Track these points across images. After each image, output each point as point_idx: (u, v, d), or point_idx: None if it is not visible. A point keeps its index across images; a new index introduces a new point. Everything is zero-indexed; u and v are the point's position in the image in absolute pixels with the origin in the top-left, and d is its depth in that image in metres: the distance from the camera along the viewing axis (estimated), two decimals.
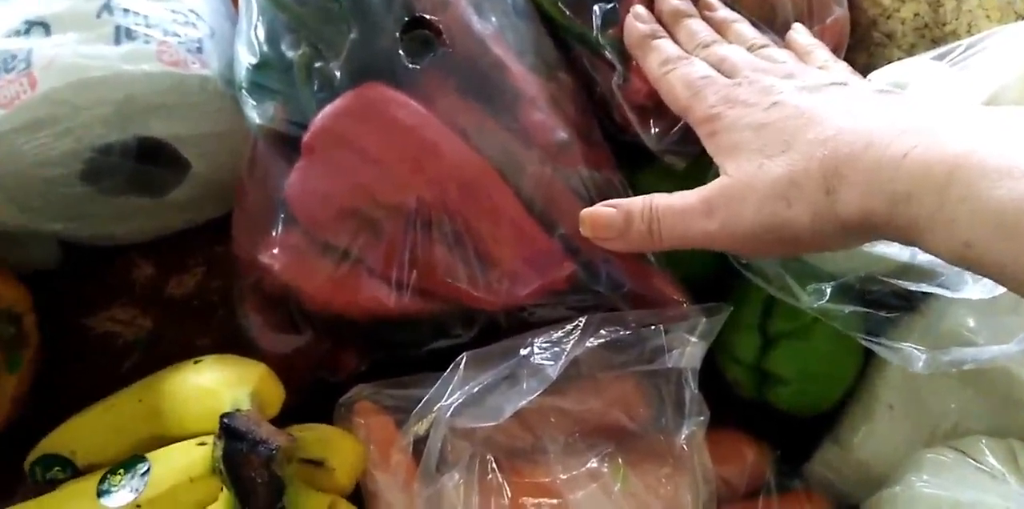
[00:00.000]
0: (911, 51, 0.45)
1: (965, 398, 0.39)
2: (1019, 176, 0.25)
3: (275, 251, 0.36)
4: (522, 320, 0.36)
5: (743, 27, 0.39)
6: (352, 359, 0.39)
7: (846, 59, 0.46)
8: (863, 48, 0.47)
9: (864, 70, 0.46)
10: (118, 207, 0.43)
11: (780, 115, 0.32)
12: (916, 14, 0.45)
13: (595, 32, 0.40)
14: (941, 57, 0.39)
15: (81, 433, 0.36)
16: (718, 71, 0.36)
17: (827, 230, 0.30)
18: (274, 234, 0.36)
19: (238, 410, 0.30)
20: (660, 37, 0.38)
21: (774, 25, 0.42)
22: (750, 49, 0.38)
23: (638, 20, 0.39)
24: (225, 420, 0.28)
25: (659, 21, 0.40)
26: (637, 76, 0.39)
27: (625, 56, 0.40)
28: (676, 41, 0.39)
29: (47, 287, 0.44)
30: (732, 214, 0.32)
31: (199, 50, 0.39)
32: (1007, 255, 0.25)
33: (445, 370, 0.35)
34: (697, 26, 0.39)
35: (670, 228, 0.33)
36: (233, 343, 0.41)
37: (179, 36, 0.39)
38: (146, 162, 0.41)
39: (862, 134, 0.30)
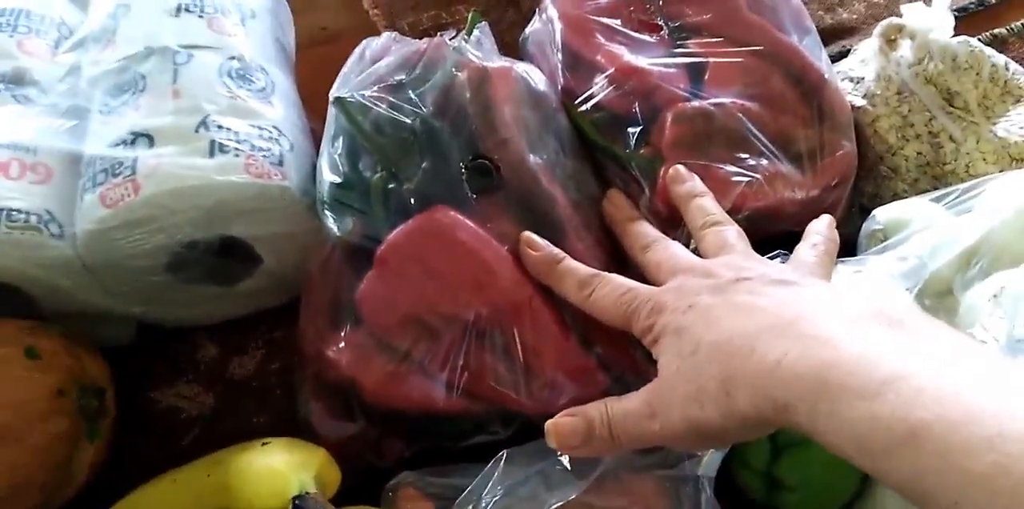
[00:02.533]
0: (914, 184, 0.50)
1: None
2: (869, 396, 0.27)
3: (341, 346, 0.41)
4: None
5: (704, 201, 0.42)
6: (399, 447, 0.42)
7: (854, 188, 0.51)
8: (871, 179, 0.51)
9: (871, 197, 0.51)
10: (193, 294, 0.48)
11: (693, 318, 0.35)
12: (919, 153, 0.49)
13: (627, 152, 0.45)
14: (940, 199, 0.44)
15: (152, 502, 0.40)
16: (654, 273, 0.40)
17: (735, 427, 0.33)
18: (342, 332, 0.41)
19: (306, 492, 0.34)
20: (562, 259, 0.40)
21: (788, 156, 0.46)
22: (701, 227, 0.41)
23: (533, 248, 0.41)
24: (297, 501, 0.32)
25: (613, 220, 0.43)
26: (659, 195, 0.44)
27: (649, 175, 0.44)
28: (624, 243, 0.42)
29: (120, 361, 0.47)
30: (666, 416, 0.34)
31: (280, 163, 0.44)
32: (872, 469, 0.28)
33: (482, 461, 0.39)
34: (640, 229, 0.42)
35: (625, 432, 0.35)
36: (288, 422, 0.45)
37: (263, 150, 0.43)
38: (223, 256, 0.46)
39: (749, 338, 0.32)
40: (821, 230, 0.42)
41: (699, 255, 0.41)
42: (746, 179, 0.44)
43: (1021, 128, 0.49)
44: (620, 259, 0.43)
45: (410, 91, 0.43)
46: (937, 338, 0.30)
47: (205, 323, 0.50)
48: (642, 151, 0.45)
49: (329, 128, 0.43)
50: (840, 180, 0.47)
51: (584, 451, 0.37)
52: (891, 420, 0.27)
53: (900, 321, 0.31)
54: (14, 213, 0.42)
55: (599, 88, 0.45)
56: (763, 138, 0.45)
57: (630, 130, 0.45)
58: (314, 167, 0.45)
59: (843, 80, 0.53)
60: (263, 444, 0.39)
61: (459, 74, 0.43)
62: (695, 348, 0.34)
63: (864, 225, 0.45)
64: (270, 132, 0.45)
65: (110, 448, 0.44)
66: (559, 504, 0.37)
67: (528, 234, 0.41)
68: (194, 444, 0.47)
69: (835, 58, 0.56)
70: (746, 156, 0.45)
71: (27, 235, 0.42)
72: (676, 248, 0.41)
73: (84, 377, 0.43)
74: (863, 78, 0.52)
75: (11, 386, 0.40)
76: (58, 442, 0.40)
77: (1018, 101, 0.51)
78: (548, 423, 0.37)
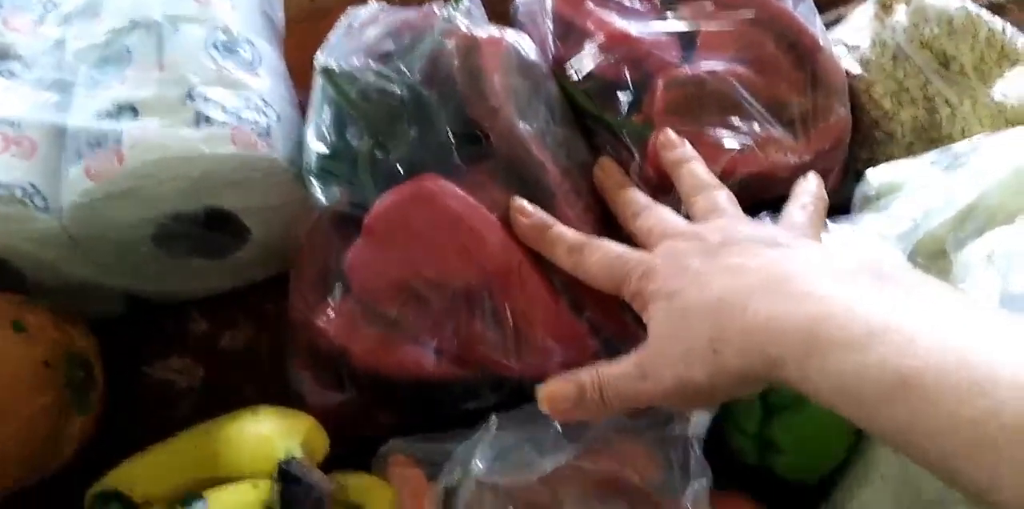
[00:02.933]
0: (910, 148, 0.49)
1: None
2: (860, 347, 0.28)
3: (330, 315, 0.40)
4: None
5: (694, 166, 0.42)
6: (389, 416, 0.42)
7: (850, 154, 0.50)
8: (866, 144, 0.51)
9: (866, 163, 0.51)
10: (181, 267, 0.47)
11: (684, 282, 0.35)
12: (914, 117, 0.49)
13: (618, 119, 0.44)
14: (933, 160, 0.43)
15: (140, 472, 0.39)
16: (645, 238, 0.39)
17: (723, 385, 0.33)
18: (330, 300, 0.40)
19: (293, 457, 0.34)
20: (552, 225, 0.40)
21: (782, 121, 0.46)
22: (692, 192, 0.41)
23: (524, 215, 0.40)
24: (283, 465, 0.32)
25: (604, 187, 0.43)
26: (649, 161, 0.44)
27: (640, 143, 0.44)
28: (614, 210, 0.42)
29: (110, 335, 0.47)
30: (657, 377, 0.34)
31: (267, 134, 0.43)
32: (863, 421, 0.28)
33: (473, 428, 0.39)
34: (630, 196, 0.42)
35: (617, 394, 0.36)
36: (278, 394, 0.44)
37: (250, 121, 0.43)
38: (211, 228, 0.46)
39: (739, 297, 0.32)
40: (810, 189, 0.41)
41: (689, 220, 0.40)
42: (738, 144, 0.43)
43: (1018, 91, 0.49)
44: (611, 225, 0.43)
45: (398, 60, 0.42)
46: (928, 291, 0.30)
47: (195, 297, 0.50)
48: (633, 118, 0.45)
49: (315, 97, 0.43)
50: (834, 145, 0.47)
51: (576, 415, 0.37)
52: (882, 370, 0.27)
53: (891, 276, 0.31)
54: None
55: (590, 55, 0.45)
56: (755, 104, 0.45)
57: (621, 97, 0.44)
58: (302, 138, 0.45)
59: (838, 46, 0.52)
60: (252, 412, 0.39)
61: (448, 42, 0.43)
62: (685, 310, 0.34)
63: (857, 187, 0.45)
64: (257, 103, 0.44)
65: (99, 421, 0.44)
66: (551, 468, 0.37)
67: (518, 200, 0.41)
68: (185, 417, 0.46)
69: (830, 25, 0.55)
70: (738, 122, 0.44)
71: (12, 208, 0.41)
72: (666, 213, 0.40)
73: (72, 350, 0.42)
74: (858, 45, 0.51)
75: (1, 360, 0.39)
76: (46, 414, 0.40)
77: (1015, 64, 0.50)
78: (539, 388, 0.38)
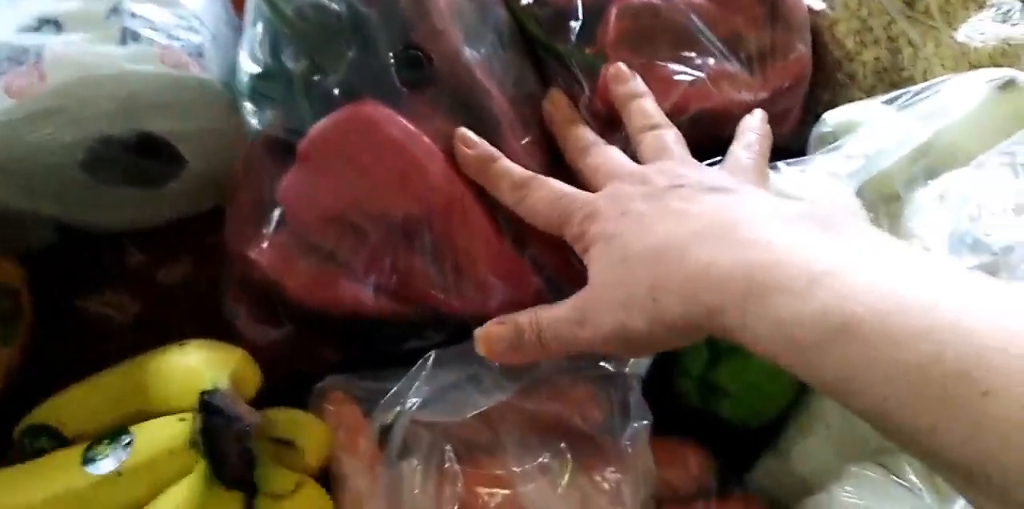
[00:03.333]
0: (871, 92, 0.49)
1: None
2: (799, 292, 0.27)
3: (264, 247, 0.39)
4: None
5: (644, 103, 0.40)
6: (329, 353, 0.41)
7: (811, 96, 0.49)
8: (827, 86, 0.50)
9: (827, 106, 0.50)
10: (115, 196, 0.45)
11: (624, 226, 0.34)
12: (876, 58, 0.48)
13: (568, 48, 0.43)
14: (892, 101, 0.42)
15: (70, 406, 0.38)
16: (590, 178, 0.38)
17: (662, 333, 0.32)
18: (264, 232, 0.39)
19: (217, 388, 0.33)
20: (497, 158, 0.39)
21: (739, 57, 0.44)
22: (640, 130, 0.40)
23: (468, 146, 0.39)
24: (205, 396, 0.31)
25: (552, 121, 0.41)
26: (598, 94, 0.42)
27: (590, 74, 0.42)
28: (562, 146, 0.41)
29: (42, 267, 0.46)
30: (596, 323, 0.34)
31: (200, 54, 0.41)
32: (801, 369, 0.28)
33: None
34: (579, 132, 0.41)
35: (555, 338, 0.35)
36: (217, 330, 0.43)
37: (181, 40, 0.41)
38: (144, 156, 0.43)
39: (681, 244, 0.32)
40: (754, 127, 0.41)
41: (636, 158, 0.39)
42: (691, 78, 0.42)
43: (982, 34, 0.48)
44: (559, 160, 0.42)
45: None
46: (871, 239, 0.30)
47: (131, 228, 0.48)
48: (585, 49, 0.43)
49: (249, 14, 0.41)
50: (792, 84, 0.45)
51: (514, 357, 0.37)
52: (822, 315, 0.27)
53: (835, 224, 0.30)
54: None
55: None
56: (712, 37, 0.43)
57: (573, 26, 0.43)
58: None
59: None
60: (180, 345, 0.38)
61: None
62: (624, 255, 0.33)
63: (814, 128, 0.44)
64: (189, 21, 0.42)
65: (26, 353, 0.43)
66: (489, 406, 0.37)
67: (463, 130, 0.39)
68: (121, 351, 0.44)
69: None
70: (693, 55, 0.43)
71: None
72: (613, 153, 0.39)
73: (4, 278, 0.41)
74: None
75: None
76: None
77: (981, 7, 0.49)
78: (477, 331, 0.37)
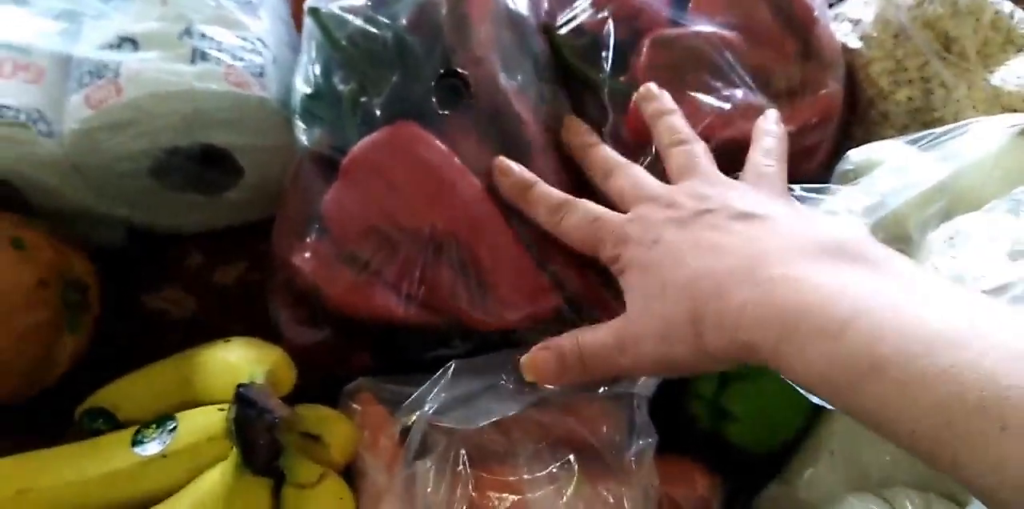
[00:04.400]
0: (904, 131, 0.49)
1: (896, 452, 0.41)
2: (831, 335, 0.29)
3: (307, 255, 0.42)
4: (512, 340, 0.41)
5: (672, 119, 0.41)
6: (362, 358, 0.44)
7: (845, 133, 0.50)
8: (861, 124, 0.50)
9: (860, 143, 0.50)
10: (178, 201, 0.49)
11: (658, 254, 0.35)
12: (909, 98, 0.48)
13: (602, 77, 0.44)
14: (915, 141, 0.43)
15: (125, 393, 0.42)
16: (617, 200, 0.39)
17: (707, 363, 0.34)
18: (308, 241, 0.42)
19: (252, 382, 0.36)
20: (533, 184, 0.40)
21: (766, 89, 0.45)
22: (668, 146, 0.40)
23: (506, 175, 0.41)
24: (240, 389, 0.34)
25: (572, 147, 0.43)
26: (630, 116, 0.44)
27: (620, 102, 0.44)
28: (586, 170, 0.42)
29: (111, 264, 0.50)
30: (636, 352, 0.35)
31: (261, 74, 0.44)
32: (838, 403, 0.30)
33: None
34: (601, 155, 0.42)
35: (596, 365, 0.37)
36: (263, 330, 0.46)
37: (244, 61, 0.44)
38: (206, 165, 0.47)
39: (714, 280, 0.33)
40: (770, 130, 0.41)
41: (666, 179, 0.40)
42: (717, 108, 0.43)
43: (1018, 78, 0.48)
44: (587, 183, 0.44)
45: (387, 5, 0.43)
46: (896, 270, 0.31)
47: (191, 231, 0.52)
48: (619, 78, 0.45)
49: (304, 40, 0.44)
50: (821, 120, 0.47)
51: (559, 381, 0.39)
52: (854, 357, 0.28)
53: (861, 255, 0.32)
54: (4, 109, 0.43)
55: (581, 11, 0.45)
56: (741, 70, 0.45)
57: (607, 55, 0.44)
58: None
59: (843, 21, 0.52)
60: (225, 341, 0.41)
61: None
62: (662, 288, 0.35)
63: (837, 165, 0.45)
64: (253, 44, 0.45)
65: (91, 342, 0.46)
66: (503, 416, 0.39)
67: (501, 160, 0.41)
68: (175, 345, 0.48)
69: None
70: (721, 86, 0.44)
71: (17, 131, 0.43)
72: (638, 173, 0.41)
73: (68, 272, 0.45)
74: (861, 20, 0.51)
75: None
76: (39, 331, 0.43)
77: (1020, 50, 0.50)
78: (523, 359, 0.39)
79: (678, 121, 0.42)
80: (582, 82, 0.45)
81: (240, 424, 0.33)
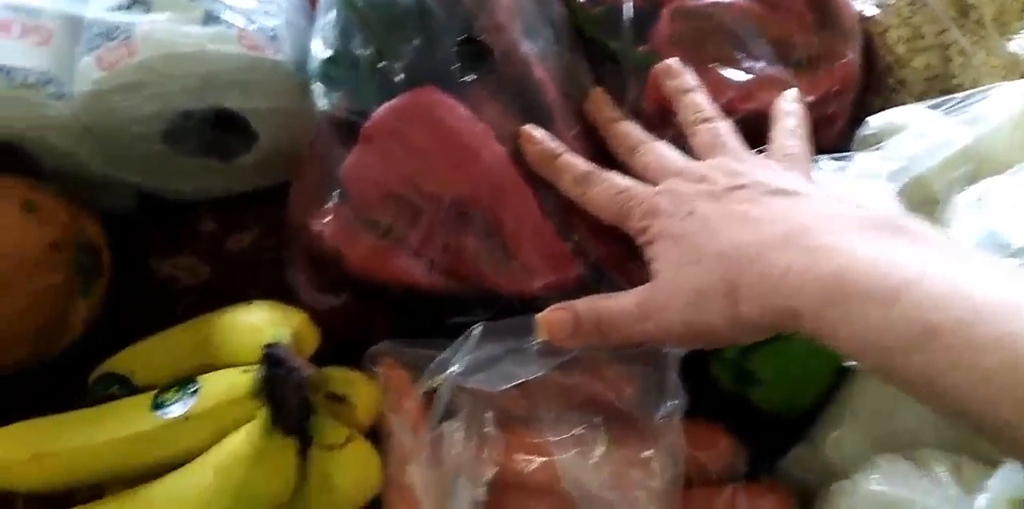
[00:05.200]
0: (921, 98, 0.48)
1: (924, 414, 0.40)
2: (883, 302, 0.28)
3: (327, 220, 0.41)
4: (535, 308, 0.40)
5: (696, 96, 0.41)
6: (380, 323, 0.44)
7: (862, 101, 0.50)
8: (878, 92, 0.50)
9: (877, 111, 0.50)
10: (191, 166, 0.48)
11: (692, 226, 0.35)
12: (927, 65, 0.48)
13: (622, 48, 0.44)
14: (937, 106, 0.43)
15: (142, 357, 0.41)
16: (642, 175, 0.39)
17: (742, 332, 0.34)
18: (328, 205, 0.41)
19: (279, 343, 0.35)
20: (560, 154, 0.40)
21: (787, 61, 0.45)
22: (693, 123, 0.40)
23: (532, 143, 0.40)
24: (268, 349, 0.34)
25: (596, 120, 0.42)
26: (648, 92, 0.44)
27: (640, 73, 0.44)
28: (610, 144, 0.42)
29: (123, 230, 0.49)
30: (662, 319, 0.35)
31: (275, 38, 0.44)
32: (884, 370, 0.29)
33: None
34: (625, 130, 0.41)
35: (613, 330, 0.36)
36: (279, 296, 0.45)
37: (258, 24, 0.43)
38: (219, 130, 0.47)
39: (752, 248, 0.33)
40: (791, 109, 0.41)
41: (691, 153, 0.40)
42: (739, 81, 0.43)
43: None
44: (608, 152, 0.43)
45: None
46: (939, 243, 0.31)
47: (204, 197, 0.51)
48: (639, 48, 0.44)
49: (323, 2, 0.43)
50: (840, 89, 0.46)
51: (572, 343, 0.38)
52: (906, 324, 0.28)
53: (901, 229, 0.32)
54: (14, 71, 0.42)
55: None
56: (761, 41, 0.44)
57: (627, 25, 0.44)
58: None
59: None
60: (247, 304, 0.41)
61: None
62: (697, 257, 0.34)
63: (857, 131, 0.45)
64: (267, 6, 0.45)
65: (103, 306, 0.46)
66: (527, 379, 0.39)
67: (528, 128, 0.41)
68: (188, 311, 0.47)
69: None
70: (743, 58, 0.44)
71: (27, 93, 0.43)
72: (664, 149, 0.40)
73: (80, 235, 0.44)
74: None
75: (8, 236, 0.41)
76: (51, 294, 0.42)
77: None
78: (538, 316, 0.38)
79: (701, 98, 0.41)
80: (601, 51, 0.45)
81: (270, 383, 0.33)
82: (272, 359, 0.33)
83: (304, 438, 0.35)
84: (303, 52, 0.45)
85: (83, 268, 0.44)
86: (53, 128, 0.44)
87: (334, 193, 0.42)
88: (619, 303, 0.37)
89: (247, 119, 0.46)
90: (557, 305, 0.38)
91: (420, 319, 0.44)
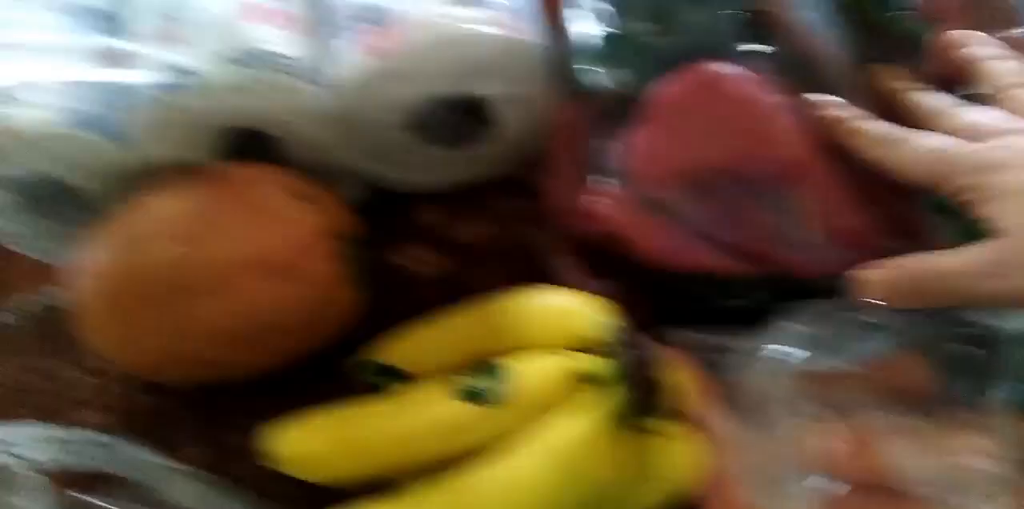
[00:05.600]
0: None
1: None
2: None
3: (603, 202, 0.40)
4: (831, 288, 0.38)
5: (1002, 64, 0.39)
6: (645, 306, 0.42)
7: None
8: None
9: None
10: (426, 156, 0.48)
11: None
12: None
13: (895, 15, 0.42)
14: None
15: (411, 348, 0.40)
16: (970, 134, 0.36)
17: None
18: (601, 188, 0.40)
19: (624, 326, 0.34)
20: (857, 117, 0.38)
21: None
22: (1008, 87, 0.38)
23: (827, 108, 0.39)
24: (621, 333, 0.32)
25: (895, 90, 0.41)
26: (932, 61, 0.41)
27: (914, 43, 0.42)
28: (917, 112, 0.39)
29: None
30: (1017, 276, 0.32)
31: (524, 19, 0.43)
32: None
33: (731, 326, 0.38)
34: (923, 96, 0.39)
35: (946, 287, 0.34)
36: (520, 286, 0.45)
37: (513, 7, 0.43)
38: (464, 117, 0.46)
39: None
40: None
41: None
42: None
43: None
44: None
45: None
46: None
47: (433, 189, 0.50)
48: (912, 18, 0.43)
49: None
50: None
51: (894, 301, 0.36)
52: None
53: None
54: (278, 57, 0.42)
55: None
56: None
57: None
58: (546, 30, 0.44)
59: None
60: (536, 290, 0.39)
61: None
62: None
63: None
64: None
65: (363, 296, 0.45)
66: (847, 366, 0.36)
67: (820, 96, 0.39)
68: (429, 301, 0.47)
69: None
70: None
71: (287, 79, 0.42)
72: (985, 109, 0.38)
73: (348, 226, 0.43)
74: None
75: (285, 223, 0.40)
76: (326, 282, 0.41)
77: None
78: (860, 273, 0.36)
79: (1009, 63, 0.39)
80: (872, 22, 0.43)
81: (632, 368, 0.32)
82: (629, 342, 0.32)
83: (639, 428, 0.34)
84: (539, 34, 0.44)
85: (351, 258, 0.43)
86: (304, 115, 0.43)
87: (605, 174, 0.41)
88: (960, 260, 0.34)
89: (492, 106, 0.46)
90: (877, 262, 0.36)
91: (690, 303, 0.42)
